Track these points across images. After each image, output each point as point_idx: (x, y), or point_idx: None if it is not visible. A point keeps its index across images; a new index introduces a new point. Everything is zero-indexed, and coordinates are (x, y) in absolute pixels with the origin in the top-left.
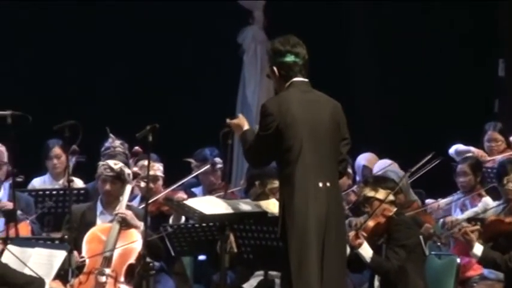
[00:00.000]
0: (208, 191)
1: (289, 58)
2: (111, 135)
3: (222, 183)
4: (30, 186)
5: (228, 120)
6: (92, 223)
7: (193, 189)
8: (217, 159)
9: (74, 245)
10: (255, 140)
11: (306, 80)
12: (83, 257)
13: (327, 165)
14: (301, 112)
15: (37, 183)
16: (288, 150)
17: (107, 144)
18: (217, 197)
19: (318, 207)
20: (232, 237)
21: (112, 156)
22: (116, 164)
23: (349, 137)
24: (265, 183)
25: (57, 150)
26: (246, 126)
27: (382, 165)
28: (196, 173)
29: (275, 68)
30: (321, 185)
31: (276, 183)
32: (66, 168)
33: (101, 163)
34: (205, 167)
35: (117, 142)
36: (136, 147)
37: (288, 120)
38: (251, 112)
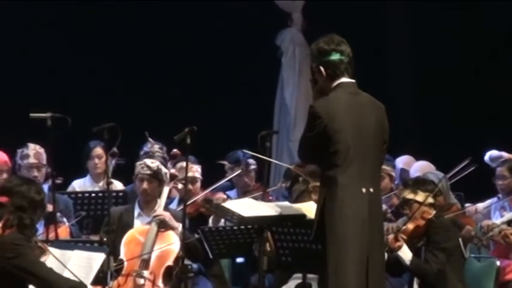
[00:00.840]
0: (243, 192)
1: (335, 56)
2: (150, 139)
3: (257, 184)
4: (70, 188)
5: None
6: (130, 225)
7: (227, 192)
8: (251, 161)
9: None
10: (302, 139)
11: (353, 80)
12: (121, 260)
13: (371, 171)
14: (349, 116)
15: (77, 185)
16: (334, 153)
17: (145, 149)
18: (253, 198)
19: (359, 212)
20: (270, 236)
21: (150, 158)
22: (153, 163)
23: (388, 140)
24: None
25: (98, 150)
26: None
27: (418, 167)
28: (230, 177)
29: (322, 68)
30: (364, 190)
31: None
32: (106, 170)
33: (138, 163)
34: (237, 171)
35: (156, 146)
36: (175, 150)
37: (335, 125)
38: (289, 114)
